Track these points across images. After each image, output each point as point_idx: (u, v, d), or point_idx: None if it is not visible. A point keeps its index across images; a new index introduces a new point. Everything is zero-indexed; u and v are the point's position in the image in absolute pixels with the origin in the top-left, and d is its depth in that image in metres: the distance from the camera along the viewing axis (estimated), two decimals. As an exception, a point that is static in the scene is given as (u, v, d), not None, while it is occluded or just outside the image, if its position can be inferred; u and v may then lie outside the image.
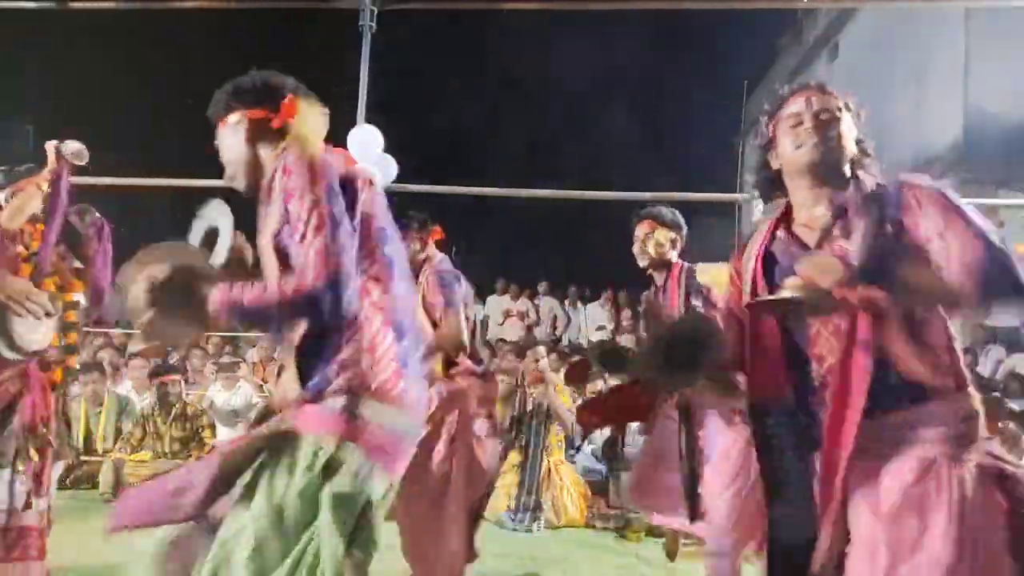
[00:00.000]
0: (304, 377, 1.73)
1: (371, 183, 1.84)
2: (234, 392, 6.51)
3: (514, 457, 5.73)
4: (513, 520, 5.34)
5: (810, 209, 1.80)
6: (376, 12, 6.18)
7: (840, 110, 1.80)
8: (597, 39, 15.32)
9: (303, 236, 1.64)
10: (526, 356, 6.15)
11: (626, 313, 10.70)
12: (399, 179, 6.06)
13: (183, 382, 6.37)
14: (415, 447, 1.82)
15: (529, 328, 10.84)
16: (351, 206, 1.75)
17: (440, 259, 3.63)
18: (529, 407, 5.85)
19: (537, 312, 11.07)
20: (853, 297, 1.53)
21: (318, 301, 1.62)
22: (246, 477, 1.69)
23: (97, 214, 3.89)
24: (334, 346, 1.70)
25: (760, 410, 1.74)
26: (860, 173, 1.80)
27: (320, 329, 1.70)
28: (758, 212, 5.63)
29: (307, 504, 1.63)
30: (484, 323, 11.25)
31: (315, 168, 1.70)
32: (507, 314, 10.96)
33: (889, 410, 1.60)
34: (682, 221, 3.74)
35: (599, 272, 12.44)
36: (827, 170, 1.77)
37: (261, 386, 6.94)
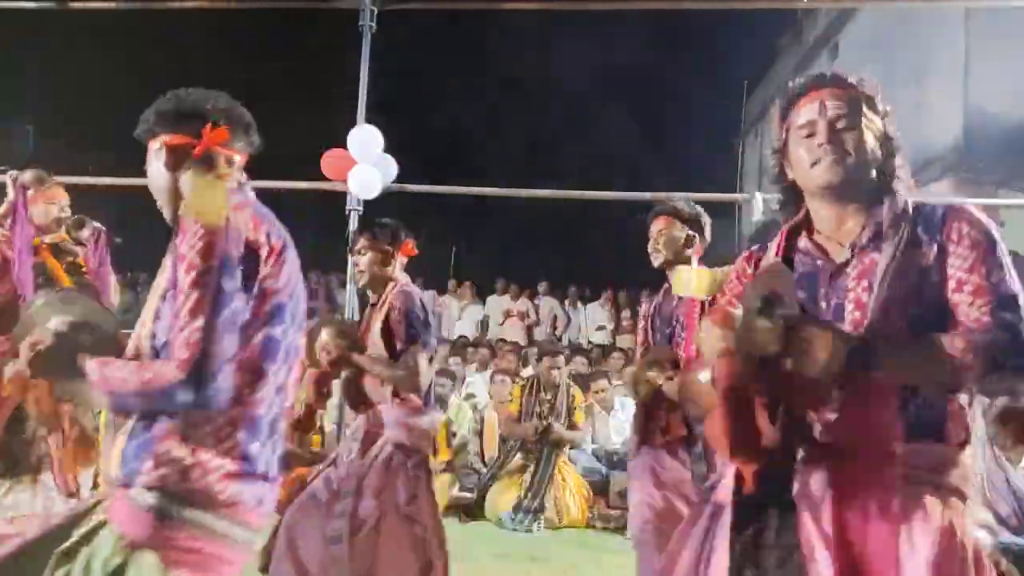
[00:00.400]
0: (123, 458, 1.52)
1: (280, 250, 1.62)
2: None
3: (519, 459, 5.75)
4: (513, 520, 5.35)
5: (836, 225, 1.63)
6: (376, 12, 6.17)
7: (861, 109, 1.59)
8: (597, 39, 15.34)
9: (178, 314, 1.48)
10: (542, 360, 6.20)
11: (626, 313, 10.71)
12: (399, 179, 6.06)
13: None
14: (248, 556, 1.61)
15: (529, 328, 10.84)
16: (250, 277, 1.56)
17: (404, 283, 3.17)
18: (541, 411, 5.87)
19: (537, 312, 11.08)
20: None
21: (174, 396, 1.45)
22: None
23: (95, 224, 3.92)
24: (155, 434, 1.50)
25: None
26: (895, 185, 1.61)
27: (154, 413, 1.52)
28: (758, 212, 5.62)
29: None
30: (484, 323, 11.26)
31: (212, 234, 1.51)
32: (507, 314, 10.96)
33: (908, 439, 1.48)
34: (703, 217, 3.29)
35: (599, 272, 12.47)
36: (850, 190, 1.59)
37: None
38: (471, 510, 5.62)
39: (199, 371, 1.44)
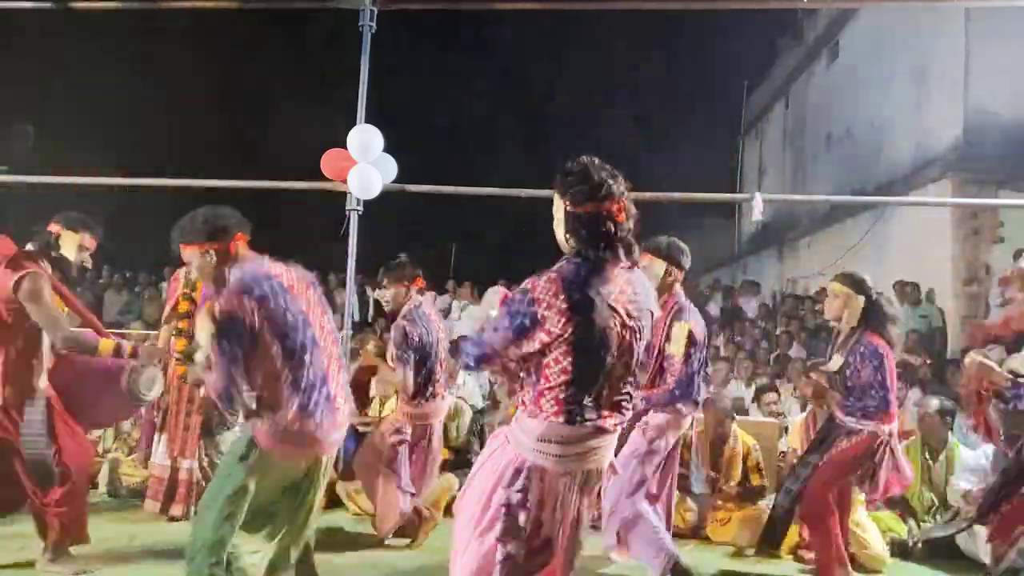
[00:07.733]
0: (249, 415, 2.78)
1: (260, 303, 2.64)
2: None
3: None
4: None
5: None
6: (376, 12, 6.17)
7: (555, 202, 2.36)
8: (597, 39, 15.36)
9: (210, 364, 2.64)
10: None
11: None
12: (399, 179, 6.05)
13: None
14: (330, 447, 2.86)
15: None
16: (246, 328, 2.62)
17: (407, 311, 4.23)
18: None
19: (537, 312, 11.04)
20: None
21: (220, 399, 2.66)
22: None
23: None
24: (261, 400, 2.73)
25: None
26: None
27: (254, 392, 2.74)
28: (758, 212, 5.62)
29: (241, 477, 2.70)
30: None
31: (214, 312, 2.61)
32: (507, 314, 10.92)
33: None
34: (679, 254, 3.79)
35: (599, 272, 12.42)
36: None
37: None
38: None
39: (227, 387, 2.62)
